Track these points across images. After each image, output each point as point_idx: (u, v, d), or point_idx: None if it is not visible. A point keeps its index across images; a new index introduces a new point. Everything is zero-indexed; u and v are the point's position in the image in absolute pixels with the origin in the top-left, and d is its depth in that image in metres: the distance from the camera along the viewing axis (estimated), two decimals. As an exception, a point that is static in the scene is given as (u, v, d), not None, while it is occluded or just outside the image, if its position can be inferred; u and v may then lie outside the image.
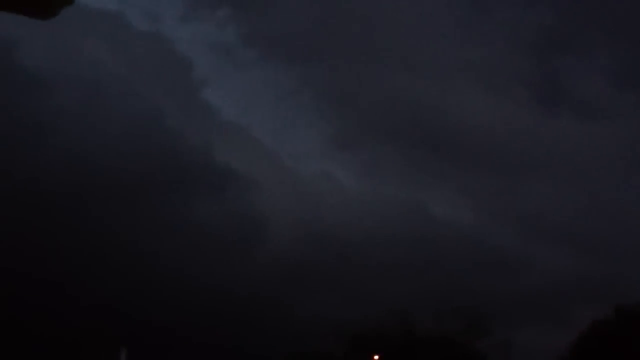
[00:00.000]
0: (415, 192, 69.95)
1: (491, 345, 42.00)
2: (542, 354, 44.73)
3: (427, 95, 70.86)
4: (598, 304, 47.60)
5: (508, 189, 68.79)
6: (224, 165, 62.48)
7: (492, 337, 42.37)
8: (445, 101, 69.98)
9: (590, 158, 67.39)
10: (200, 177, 61.00)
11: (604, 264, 58.06)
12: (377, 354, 39.51)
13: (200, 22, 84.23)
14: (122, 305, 46.87)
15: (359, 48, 75.14)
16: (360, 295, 53.44)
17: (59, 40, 59.32)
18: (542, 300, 54.03)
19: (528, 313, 52.99)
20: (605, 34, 77.57)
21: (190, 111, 67.96)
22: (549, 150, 68.78)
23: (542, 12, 79.68)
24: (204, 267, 52.97)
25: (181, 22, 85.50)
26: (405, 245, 59.51)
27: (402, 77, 72.33)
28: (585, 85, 71.79)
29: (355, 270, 55.17)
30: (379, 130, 76.04)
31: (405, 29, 73.63)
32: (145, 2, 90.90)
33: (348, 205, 63.42)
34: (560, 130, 68.15)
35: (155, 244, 53.28)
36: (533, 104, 76.39)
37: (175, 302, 48.86)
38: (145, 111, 61.30)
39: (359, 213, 62.02)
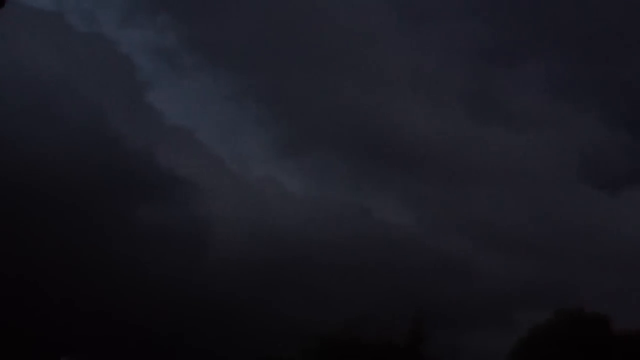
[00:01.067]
0: (360, 198, 70.63)
1: (437, 349, 42.54)
2: (488, 357, 45.56)
3: (371, 103, 72.01)
4: (540, 308, 48.92)
5: (450, 196, 70.20)
6: (168, 170, 62.02)
7: (438, 342, 42.95)
8: (389, 110, 71.28)
9: (527, 167, 69.33)
10: (143, 181, 60.36)
11: (546, 270, 59.63)
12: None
13: (140, 27, 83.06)
14: (65, 312, 46.05)
15: (303, 55, 75.73)
16: (306, 299, 53.80)
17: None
18: (487, 305, 55.26)
19: (473, 317, 54.07)
20: (537, 45, 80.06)
21: (133, 114, 67.12)
22: (488, 159, 70.48)
23: (479, 23, 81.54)
24: (151, 270, 52.40)
25: (121, 25, 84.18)
26: (351, 250, 60.09)
27: (347, 85, 73.16)
28: (519, 96, 73.99)
29: (302, 275, 55.53)
30: (323, 136, 76.61)
31: (350, 38, 74.45)
32: (83, 4, 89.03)
33: (293, 209, 63.80)
34: (496, 140, 70.02)
35: (100, 247, 52.40)
36: (470, 113, 77.95)
37: (124, 304, 48.27)
38: (86, 114, 60.31)
39: (305, 217, 62.48)
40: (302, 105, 74.34)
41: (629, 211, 66.08)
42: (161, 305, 49.92)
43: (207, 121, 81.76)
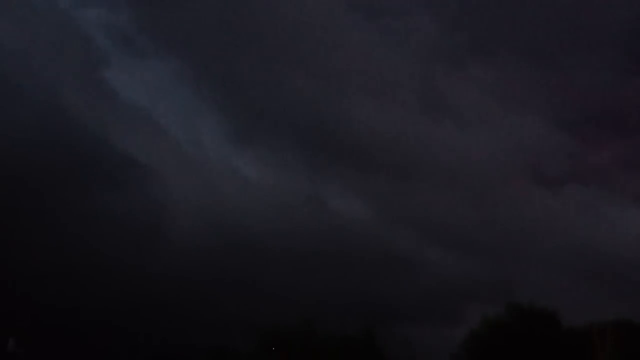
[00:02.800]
0: (315, 188, 70.88)
1: (391, 342, 43.08)
2: (439, 350, 46.37)
3: (325, 97, 72.33)
4: (488, 303, 50.13)
5: (401, 190, 70.70)
6: (123, 151, 61.16)
7: (392, 335, 43.51)
8: (342, 104, 71.71)
9: (475, 164, 70.43)
10: (99, 163, 59.35)
11: (493, 266, 60.85)
12: (282, 352, 39.75)
13: (98, 6, 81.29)
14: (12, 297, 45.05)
15: (259, 47, 75.42)
16: (262, 290, 53.77)
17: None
18: (436, 299, 56.16)
19: (423, 311, 54.92)
20: (488, 47, 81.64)
21: (88, 92, 65.95)
22: (437, 156, 71.22)
23: (434, 22, 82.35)
24: (110, 254, 51.66)
25: (80, 4, 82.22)
26: (305, 238, 60.42)
27: (301, 76, 73.32)
28: (468, 95, 75.23)
29: (257, 263, 55.47)
30: (278, 126, 76.60)
31: (306, 31, 74.63)
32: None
33: (248, 195, 63.67)
34: (445, 137, 71.08)
35: (57, 232, 51.44)
36: (422, 110, 78.67)
37: (80, 289, 47.58)
38: (42, 90, 59.01)
39: (261, 204, 62.42)
40: (257, 94, 74.13)
41: (572, 208, 68.00)
42: (114, 292, 49.30)
43: (163, 104, 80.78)
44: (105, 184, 60.48)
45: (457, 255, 63.97)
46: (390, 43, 78.59)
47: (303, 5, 75.46)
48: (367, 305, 53.03)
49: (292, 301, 52.79)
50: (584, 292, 55.46)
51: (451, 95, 75.08)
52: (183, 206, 59.45)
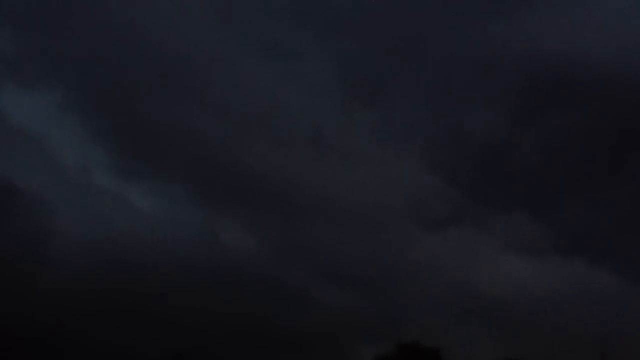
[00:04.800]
0: (207, 222, 70.93)
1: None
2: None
3: (218, 133, 73.26)
4: (382, 341, 51.90)
5: (291, 227, 71.74)
6: (6, 178, 58.80)
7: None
8: (235, 141, 72.88)
9: (362, 205, 72.64)
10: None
11: (385, 305, 62.69)
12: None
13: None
14: None
15: (147, 77, 75.26)
16: (152, 320, 53.13)
17: None
18: (326, 337, 57.28)
19: (313, 349, 55.75)
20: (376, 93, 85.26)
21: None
22: (327, 195, 72.92)
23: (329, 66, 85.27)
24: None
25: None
26: (197, 271, 60.20)
27: (195, 113, 73.98)
28: (356, 137, 78.02)
29: (149, 294, 54.81)
30: (167, 159, 76.26)
31: (198, 68, 75.63)
32: None
33: (141, 227, 62.76)
34: (334, 178, 73.18)
35: None
36: (310, 150, 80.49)
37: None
38: None
39: (152, 235, 61.76)
40: (148, 127, 73.74)
41: (450, 249, 71.31)
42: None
43: (48, 131, 78.13)
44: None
45: (346, 293, 65.48)
46: (283, 84, 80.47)
47: (197, 41, 76.30)
48: (256, 337, 53.52)
49: (176, 336, 52.57)
50: (465, 331, 58.27)
51: (340, 139, 77.38)
52: (71, 235, 57.73)
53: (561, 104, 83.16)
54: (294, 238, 70.71)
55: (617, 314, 56.27)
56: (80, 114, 75.60)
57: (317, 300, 62.99)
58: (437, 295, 62.47)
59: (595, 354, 46.25)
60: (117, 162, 75.30)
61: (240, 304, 59.75)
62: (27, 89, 74.34)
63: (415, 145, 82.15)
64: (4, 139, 62.99)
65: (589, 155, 79.33)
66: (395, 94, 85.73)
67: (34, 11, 74.05)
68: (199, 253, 63.29)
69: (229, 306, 59.26)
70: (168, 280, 57.97)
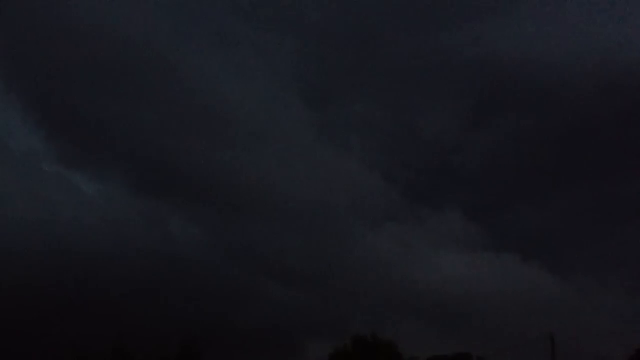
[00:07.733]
0: (154, 211, 70.22)
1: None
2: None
3: (167, 131, 72.90)
4: (330, 337, 52.63)
5: (241, 225, 71.59)
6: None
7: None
8: (183, 139, 72.43)
9: (306, 204, 73.07)
10: None
11: (330, 302, 63.31)
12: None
13: None
14: None
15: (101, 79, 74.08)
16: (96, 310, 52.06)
17: None
18: (275, 333, 57.43)
19: (264, 345, 55.61)
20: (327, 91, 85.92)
21: None
22: (272, 194, 72.97)
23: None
24: None
25: None
26: (144, 258, 59.87)
27: (145, 109, 73.12)
28: (295, 136, 78.76)
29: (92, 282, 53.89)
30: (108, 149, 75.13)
31: (146, 67, 74.77)
32: None
33: (86, 211, 61.87)
34: (277, 176, 73.52)
35: None
36: (254, 149, 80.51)
37: None
38: None
39: (98, 220, 60.80)
40: (90, 117, 72.55)
41: (388, 243, 72.61)
42: None
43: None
44: None
45: (291, 289, 65.69)
46: (229, 80, 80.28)
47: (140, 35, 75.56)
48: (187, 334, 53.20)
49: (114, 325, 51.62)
50: (408, 325, 59.35)
51: (282, 136, 77.62)
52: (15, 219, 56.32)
53: (511, 109, 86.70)
54: (242, 236, 70.59)
55: (553, 308, 58.59)
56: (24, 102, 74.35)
57: (264, 295, 63.05)
58: (382, 291, 63.40)
59: (539, 348, 47.89)
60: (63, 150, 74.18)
61: (187, 295, 59.33)
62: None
63: (356, 143, 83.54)
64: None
65: (534, 158, 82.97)
66: (342, 94, 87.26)
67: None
68: (148, 240, 63.23)
69: (174, 296, 58.87)
70: (114, 265, 57.33)
